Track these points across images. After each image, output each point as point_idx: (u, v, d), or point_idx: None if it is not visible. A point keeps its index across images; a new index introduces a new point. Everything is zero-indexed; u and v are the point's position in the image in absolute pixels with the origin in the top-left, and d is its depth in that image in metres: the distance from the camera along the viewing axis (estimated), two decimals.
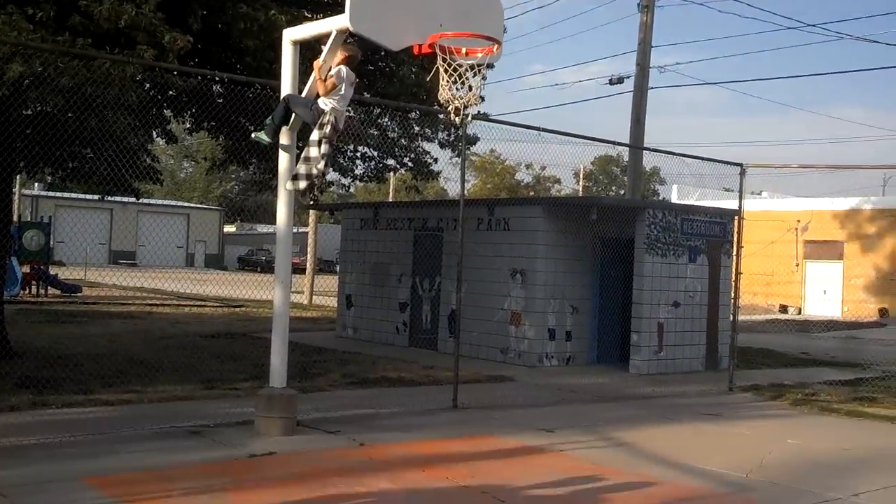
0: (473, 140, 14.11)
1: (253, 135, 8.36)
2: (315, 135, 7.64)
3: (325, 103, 7.63)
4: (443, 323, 16.17)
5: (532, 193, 69.68)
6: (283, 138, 8.21)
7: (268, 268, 42.75)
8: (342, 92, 7.60)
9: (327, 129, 7.56)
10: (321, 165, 7.66)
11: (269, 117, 8.13)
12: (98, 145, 11.36)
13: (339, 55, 7.59)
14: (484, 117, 12.15)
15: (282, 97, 8.18)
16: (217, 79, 11.26)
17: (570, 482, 7.01)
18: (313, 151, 7.65)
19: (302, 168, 7.77)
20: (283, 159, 8.32)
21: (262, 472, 6.88)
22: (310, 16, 11.14)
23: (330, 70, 7.59)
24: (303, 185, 7.78)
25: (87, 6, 9.14)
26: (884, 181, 63.04)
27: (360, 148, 14.77)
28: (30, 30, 8.77)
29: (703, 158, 13.70)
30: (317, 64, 7.66)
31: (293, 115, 8.01)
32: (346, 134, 13.50)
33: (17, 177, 27.05)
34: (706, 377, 14.34)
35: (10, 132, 10.90)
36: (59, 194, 47.19)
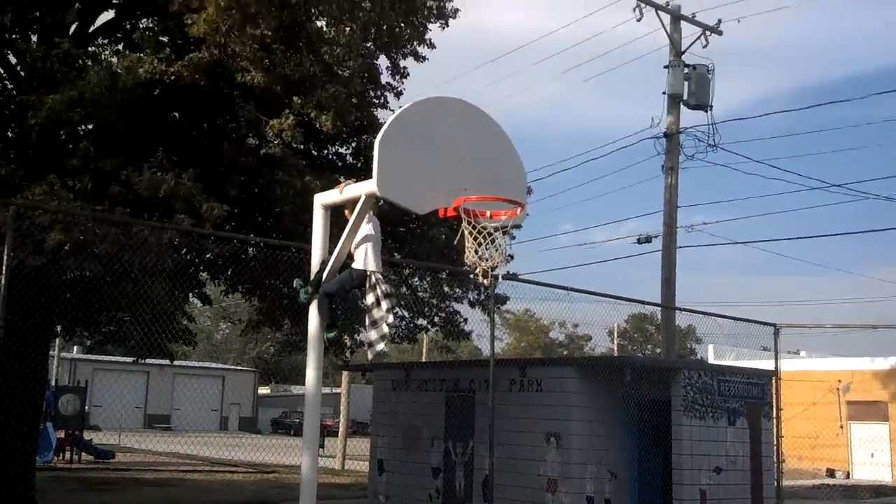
0: (503, 300, 14.14)
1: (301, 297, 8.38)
2: (370, 297, 7.73)
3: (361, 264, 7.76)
4: (477, 490, 15.65)
5: (566, 352, 69.07)
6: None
7: (301, 430, 41.95)
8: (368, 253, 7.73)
9: (380, 286, 7.68)
10: (390, 320, 7.74)
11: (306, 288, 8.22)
12: (134, 309, 11.55)
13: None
14: (513, 277, 12.22)
15: (314, 259, 8.28)
16: (252, 243, 11.55)
17: None
18: (377, 313, 7.70)
19: (373, 334, 7.82)
20: (313, 320, 8.35)
21: None
22: (342, 180, 11.48)
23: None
24: (380, 346, 7.85)
25: (128, 176, 9.52)
26: None
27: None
28: (69, 198, 9.11)
29: (735, 318, 13.59)
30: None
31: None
32: (394, 304, 13.66)
33: (56, 340, 27.46)
34: None
35: (49, 297, 11.16)
36: (96, 357, 47.60)
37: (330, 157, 13.41)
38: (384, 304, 7.70)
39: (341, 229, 8.21)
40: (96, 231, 9.32)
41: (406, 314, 14.78)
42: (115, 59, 11.30)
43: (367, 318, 7.86)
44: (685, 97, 20.24)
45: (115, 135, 10.48)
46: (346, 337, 14.50)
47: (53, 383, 27.72)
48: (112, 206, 9.73)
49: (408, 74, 13.01)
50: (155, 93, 11.02)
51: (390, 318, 7.73)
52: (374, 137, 10.56)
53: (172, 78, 10.11)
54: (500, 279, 8.39)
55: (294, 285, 8.53)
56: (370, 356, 8.00)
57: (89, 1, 11.76)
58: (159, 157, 10.17)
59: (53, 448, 24.33)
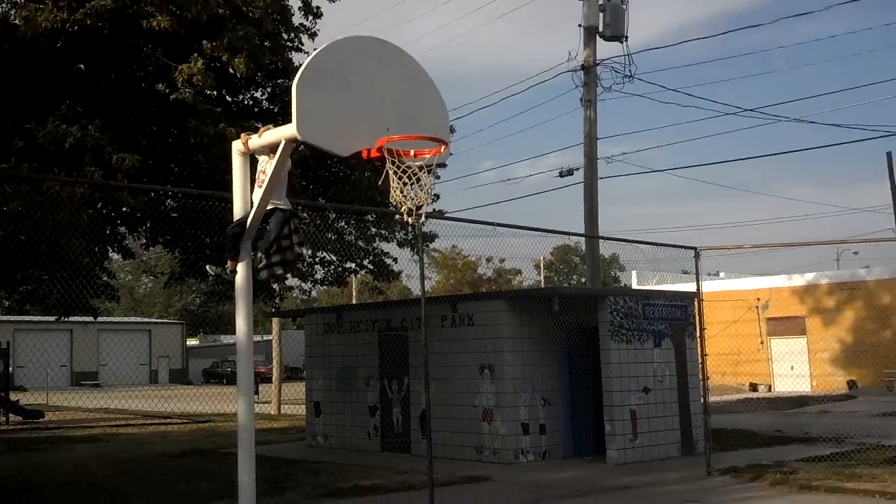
0: (431, 238, 14.16)
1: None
2: (278, 228, 7.73)
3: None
4: (414, 425, 15.88)
5: (494, 287, 69.88)
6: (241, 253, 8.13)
7: (233, 379, 41.81)
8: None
9: (293, 221, 7.69)
10: (297, 250, 7.77)
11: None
12: (51, 267, 11.22)
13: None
14: (439, 215, 12.23)
15: (236, 208, 8.13)
16: (170, 194, 11.26)
17: None
18: (285, 242, 7.73)
19: (275, 258, 7.81)
20: (240, 269, 8.22)
21: None
22: (259, 125, 11.23)
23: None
24: (280, 271, 7.87)
25: (31, 130, 9.14)
26: (837, 255, 64.11)
27: (318, 253, 14.74)
28: None
29: (656, 244, 13.87)
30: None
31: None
32: (304, 239, 13.50)
33: None
34: (683, 462, 14.15)
35: None
36: (15, 318, 46.35)
37: (245, 102, 13.09)
38: (295, 238, 7.72)
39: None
40: (6, 189, 8.97)
41: (334, 258, 14.69)
42: (12, 11, 10.75)
43: (273, 244, 7.81)
44: (601, 29, 20.31)
45: (16, 88, 10.03)
46: (273, 284, 14.34)
47: None
48: (18, 162, 9.34)
49: (321, 14, 12.70)
50: (57, 44, 10.53)
51: (298, 250, 7.75)
52: (290, 82, 10.34)
53: (75, 28, 9.67)
54: (425, 218, 8.32)
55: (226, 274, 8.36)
56: (271, 282, 8.01)
57: None
58: (63, 109, 9.77)
59: None
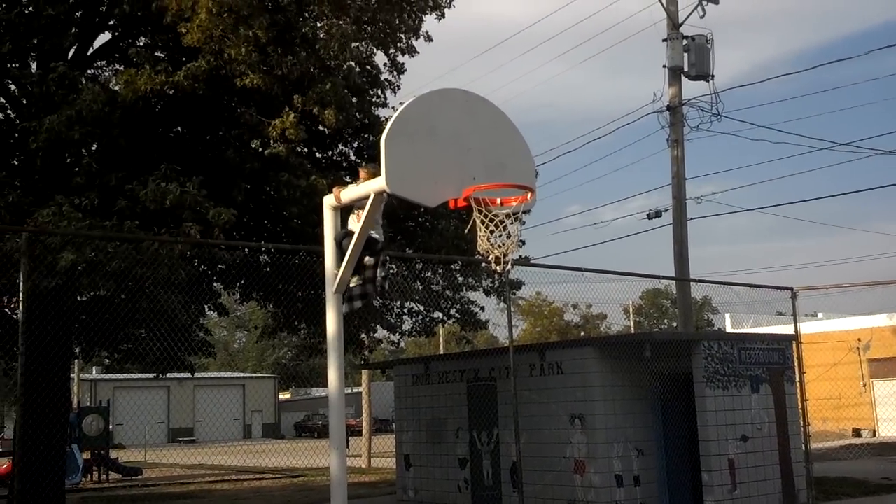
0: (518, 285, 14.12)
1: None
2: (369, 259, 7.84)
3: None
4: (505, 477, 15.66)
5: (582, 333, 69.05)
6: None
7: (324, 432, 42.14)
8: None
9: (383, 254, 7.85)
10: (379, 280, 7.86)
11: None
12: (151, 325, 11.59)
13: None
14: (525, 262, 12.21)
15: (328, 261, 8.29)
16: (263, 249, 11.56)
17: None
18: (369, 273, 7.83)
19: (357, 289, 7.91)
20: (331, 322, 8.35)
21: None
22: (349, 179, 11.49)
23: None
24: (358, 304, 8.02)
25: (132, 189, 9.53)
26: None
27: (406, 303, 14.86)
28: (78, 218, 9.13)
29: (751, 286, 13.57)
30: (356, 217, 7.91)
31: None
32: (392, 290, 13.66)
33: (75, 362, 27.59)
34: None
35: (66, 319, 11.18)
36: (116, 376, 47.81)
37: (334, 157, 13.41)
38: (380, 271, 7.83)
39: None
40: (109, 248, 9.34)
41: (421, 308, 14.78)
42: (113, 78, 11.32)
43: (361, 272, 7.93)
44: (686, 69, 20.18)
45: (118, 150, 10.51)
46: (363, 335, 14.51)
47: (76, 405, 27.80)
48: (121, 221, 9.75)
49: (405, 70, 12.99)
50: (156, 107, 11.03)
51: (380, 283, 7.92)
52: (377, 136, 10.59)
53: (171, 90, 10.12)
54: (511, 266, 8.33)
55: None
56: (345, 309, 8.06)
57: (86, 24, 11.77)
58: (163, 168, 10.19)
59: (80, 469, 24.45)
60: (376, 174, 7.66)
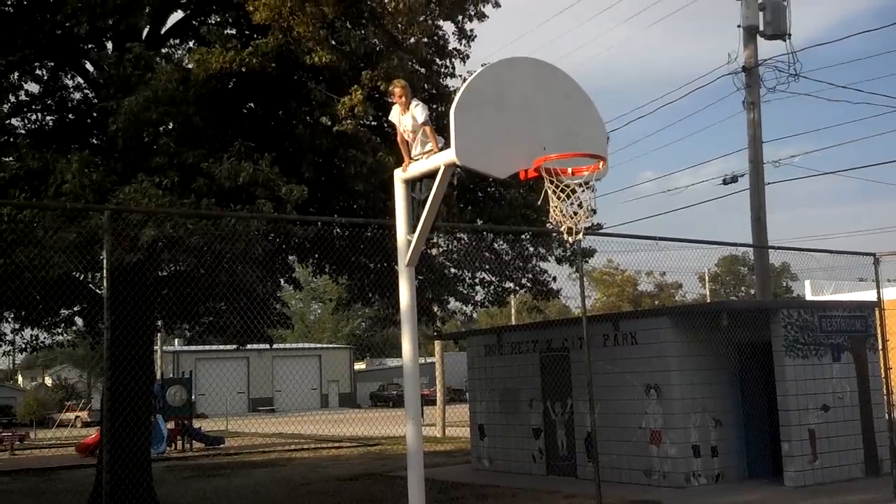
0: (590, 253, 13.99)
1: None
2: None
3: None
4: (580, 447, 15.67)
5: (657, 302, 68.22)
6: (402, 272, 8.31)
7: (399, 402, 42.92)
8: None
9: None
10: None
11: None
12: (230, 298, 11.85)
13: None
14: (597, 229, 12.08)
15: (399, 234, 8.33)
16: (336, 223, 11.69)
17: None
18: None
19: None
20: (404, 293, 8.42)
21: None
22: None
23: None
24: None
25: (209, 167, 9.71)
26: None
27: (478, 274, 14.88)
28: (160, 195, 9.35)
29: (831, 252, 13.20)
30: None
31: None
32: (463, 261, 13.67)
33: (158, 334, 28.42)
34: (868, 484, 13.32)
35: (148, 294, 11.51)
36: (197, 348, 49.06)
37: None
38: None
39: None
40: (188, 225, 9.56)
41: (493, 279, 14.78)
42: (186, 57, 11.51)
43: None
44: (761, 28, 19.58)
45: (193, 129, 10.71)
46: (436, 307, 14.59)
47: (159, 376, 28.70)
48: (198, 199, 9.96)
49: (475, 37, 12.90)
50: (228, 85, 11.19)
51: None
52: (446, 107, 10.55)
53: (242, 68, 10.25)
54: (583, 235, 8.21)
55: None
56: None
57: (158, 3, 11.98)
58: (237, 146, 10.37)
59: (165, 439, 25.27)
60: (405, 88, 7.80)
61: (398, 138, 8.13)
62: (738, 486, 13.65)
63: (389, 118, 8.02)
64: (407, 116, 7.88)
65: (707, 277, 68.14)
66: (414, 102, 7.87)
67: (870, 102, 50.59)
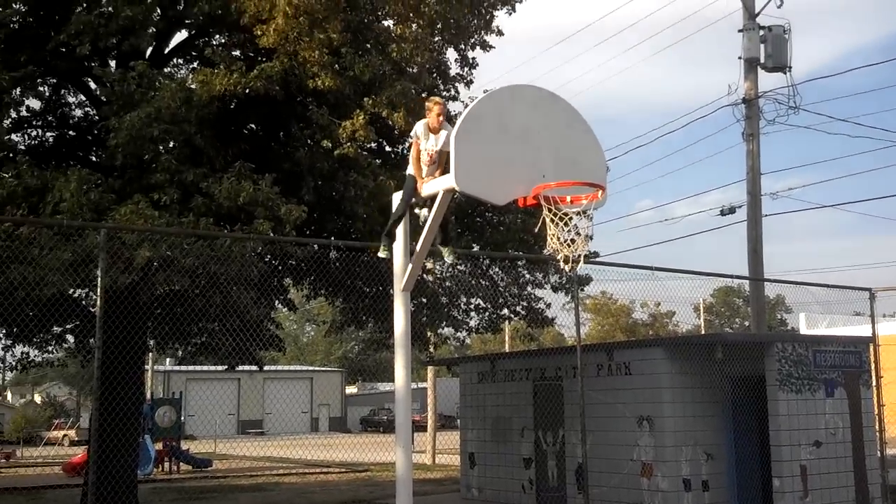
0: (586, 281, 13.98)
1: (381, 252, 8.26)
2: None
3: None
4: (570, 478, 15.54)
5: (651, 332, 68.09)
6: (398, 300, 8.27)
7: (390, 428, 42.62)
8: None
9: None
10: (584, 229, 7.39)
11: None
12: (223, 319, 11.80)
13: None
14: (594, 257, 12.08)
15: (396, 256, 8.31)
16: (332, 246, 11.68)
17: None
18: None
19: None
20: (399, 318, 8.38)
21: None
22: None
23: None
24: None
25: (209, 187, 9.72)
26: None
27: (473, 300, 14.86)
28: (156, 216, 9.33)
29: (828, 286, 13.20)
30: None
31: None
32: (459, 287, 13.65)
33: (150, 354, 28.28)
34: None
35: (141, 313, 11.45)
36: (188, 368, 48.81)
37: (403, 152, 13.47)
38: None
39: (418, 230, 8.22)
40: (184, 245, 9.54)
41: (488, 305, 14.76)
42: (189, 76, 11.56)
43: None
44: (762, 60, 19.68)
45: (194, 148, 10.73)
46: (429, 333, 14.56)
47: (149, 396, 28.50)
48: (197, 218, 9.96)
49: (476, 65, 12.99)
50: (231, 106, 11.23)
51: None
52: (448, 130, 10.55)
53: (246, 91, 10.30)
54: (581, 264, 8.20)
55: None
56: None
57: (163, 24, 12.04)
58: (238, 166, 10.39)
59: (153, 460, 25.01)
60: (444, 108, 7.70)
61: (413, 151, 8.02)
62: None
63: (414, 129, 7.90)
64: (433, 138, 7.79)
65: (702, 308, 68.13)
66: (448, 128, 7.72)
67: (868, 136, 50.86)
